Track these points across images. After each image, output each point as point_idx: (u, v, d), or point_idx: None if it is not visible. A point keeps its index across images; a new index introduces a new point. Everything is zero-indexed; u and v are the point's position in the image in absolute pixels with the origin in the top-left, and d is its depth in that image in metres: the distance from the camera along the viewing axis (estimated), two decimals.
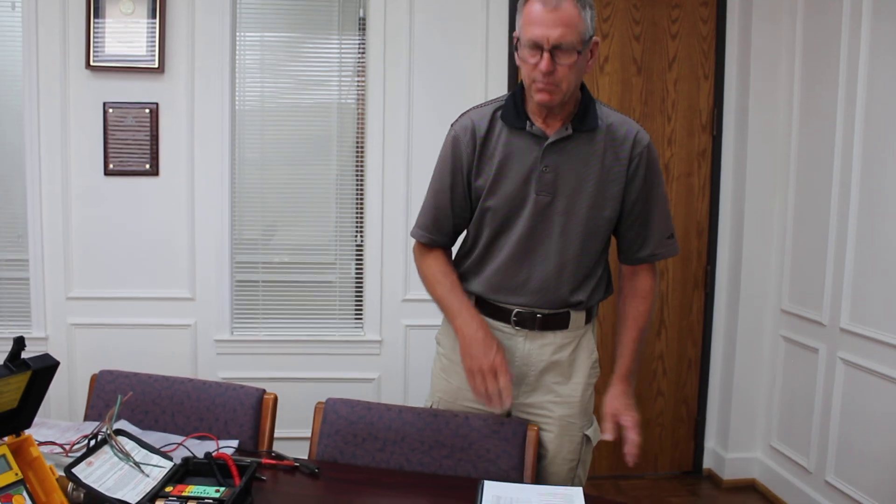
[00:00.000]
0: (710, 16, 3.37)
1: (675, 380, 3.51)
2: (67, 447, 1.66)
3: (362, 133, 3.30)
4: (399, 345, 3.34)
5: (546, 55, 1.60)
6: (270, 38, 3.32)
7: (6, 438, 1.33)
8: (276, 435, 1.98)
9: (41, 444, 1.58)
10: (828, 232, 2.94)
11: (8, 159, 3.23)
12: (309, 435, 1.91)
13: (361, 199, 3.31)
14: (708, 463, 3.58)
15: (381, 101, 3.25)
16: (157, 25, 3.13)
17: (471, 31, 3.25)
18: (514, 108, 1.76)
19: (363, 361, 3.32)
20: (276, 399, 1.97)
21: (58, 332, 3.23)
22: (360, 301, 3.37)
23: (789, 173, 3.26)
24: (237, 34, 3.24)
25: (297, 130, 3.32)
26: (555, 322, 1.84)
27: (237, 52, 3.24)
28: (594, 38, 1.68)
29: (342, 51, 3.31)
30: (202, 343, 3.30)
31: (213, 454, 1.55)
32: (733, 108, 3.41)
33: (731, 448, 3.46)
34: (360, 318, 3.37)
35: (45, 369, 1.32)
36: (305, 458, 1.81)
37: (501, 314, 1.86)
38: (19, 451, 1.34)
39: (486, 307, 1.87)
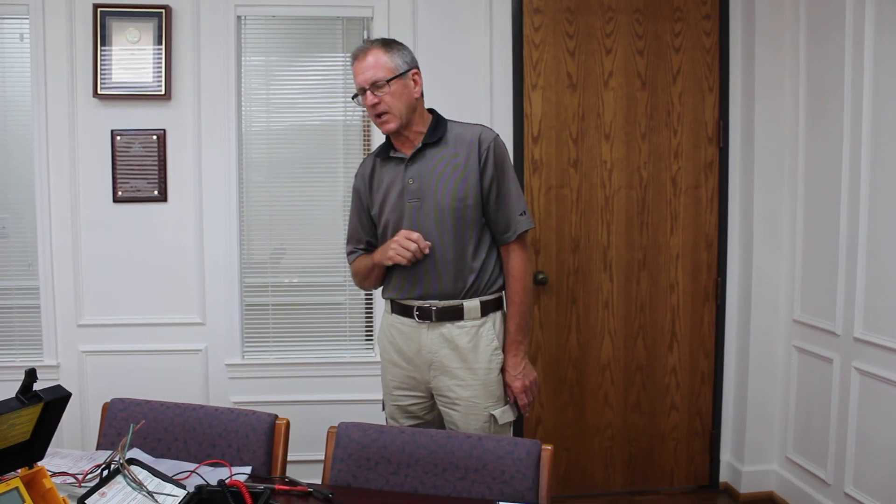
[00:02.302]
0: (713, 28, 3.37)
1: (689, 393, 3.49)
2: (80, 477, 1.66)
3: (368, 152, 3.29)
4: None
5: (368, 93, 2.10)
6: (275, 60, 3.34)
7: (19, 471, 1.33)
8: (288, 458, 1.98)
9: (54, 474, 1.58)
10: (838, 240, 2.92)
11: (17, 188, 3.26)
12: (322, 457, 1.91)
13: None
14: (724, 476, 3.54)
15: None
16: (164, 52, 3.15)
17: (474, 52, 3.26)
18: (384, 146, 2.26)
19: (375, 383, 3.28)
20: (288, 424, 1.97)
21: (69, 359, 3.24)
22: (371, 321, 3.37)
23: (797, 183, 3.24)
24: (242, 58, 3.26)
25: (304, 151, 3.34)
26: (449, 313, 2.16)
27: (242, 76, 3.27)
28: (412, 70, 2.16)
29: (347, 70, 3.32)
30: (213, 368, 3.30)
31: (227, 481, 1.54)
32: (739, 119, 3.41)
33: (748, 461, 3.43)
34: (371, 339, 3.36)
35: (57, 401, 1.32)
36: (319, 482, 1.80)
37: (407, 311, 2.22)
38: (32, 483, 1.34)
39: (397, 307, 2.25)
